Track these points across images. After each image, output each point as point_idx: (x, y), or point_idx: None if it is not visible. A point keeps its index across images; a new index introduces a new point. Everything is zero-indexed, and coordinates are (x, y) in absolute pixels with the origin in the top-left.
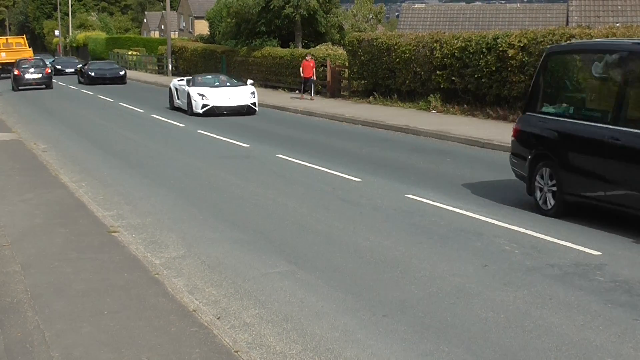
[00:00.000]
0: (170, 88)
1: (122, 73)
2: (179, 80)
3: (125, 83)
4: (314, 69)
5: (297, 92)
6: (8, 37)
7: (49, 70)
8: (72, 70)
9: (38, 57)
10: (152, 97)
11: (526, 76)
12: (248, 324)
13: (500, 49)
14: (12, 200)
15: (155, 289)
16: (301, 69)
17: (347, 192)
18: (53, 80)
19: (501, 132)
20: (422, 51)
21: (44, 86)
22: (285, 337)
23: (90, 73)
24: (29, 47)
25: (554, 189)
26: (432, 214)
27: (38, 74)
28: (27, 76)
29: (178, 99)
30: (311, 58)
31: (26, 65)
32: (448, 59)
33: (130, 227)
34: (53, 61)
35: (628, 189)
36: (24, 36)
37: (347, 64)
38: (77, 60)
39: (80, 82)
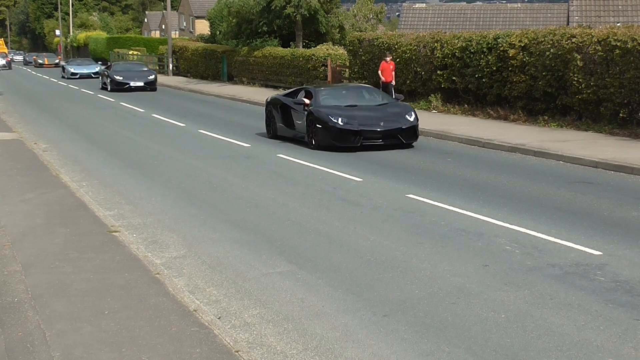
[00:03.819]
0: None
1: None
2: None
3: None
4: (394, 72)
5: None
6: None
7: (10, 60)
8: (142, 83)
9: (4, 53)
10: (148, 99)
11: (527, 76)
12: (249, 324)
13: (501, 48)
14: (13, 200)
15: (156, 288)
16: (380, 71)
17: (348, 192)
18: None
19: (502, 131)
20: (423, 51)
21: (7, 68)
22: (286, 336)
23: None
24: (5, 46)
25: None
26: (433, 213)
27: (3, 61)
28: None
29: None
30: (391, 59)
31: None
32: (449, 58)
33: (130, 226)
34: (107, 67)
35: None
36: (3, 39)
37: (347, 64)
38: (146, 69)
39: None
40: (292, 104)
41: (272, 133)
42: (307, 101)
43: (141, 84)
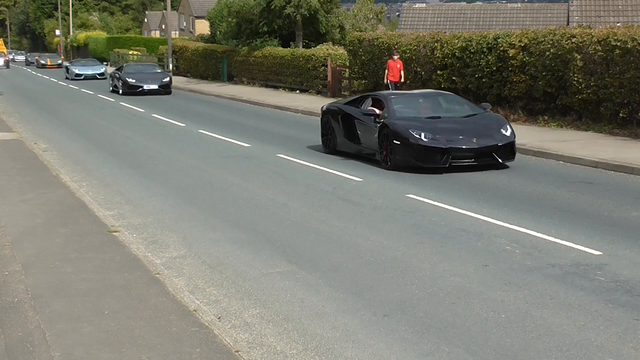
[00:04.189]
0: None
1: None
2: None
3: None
4: (402, 71)
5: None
6: None
7: (7, 59)
8: (156, 86)
9: (3, 53)
10: (152, 101)
11: (527, 76)
12: (249, 324)
13: (501, 48)
14: (13, 200)
15: (156, 288)
16: (386, 71)
17: (348, 192)
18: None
19: None
20: (423, 51)
21: (5, 67)
22: (286, 336)
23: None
24: (5, 46)
25: None
26: (433, 213)
27: (1, 61)
28: None
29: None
30: (399, 57)
31: None
32: (449, 58)
33: (130, 226)
34: (119, 69)
35: None
36: (2, 39)
37: (347, 64)
38: (160, 70)
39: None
40: (359, 114)
41: (331, 148)
42: (378, 111)
43: (155, 87)
